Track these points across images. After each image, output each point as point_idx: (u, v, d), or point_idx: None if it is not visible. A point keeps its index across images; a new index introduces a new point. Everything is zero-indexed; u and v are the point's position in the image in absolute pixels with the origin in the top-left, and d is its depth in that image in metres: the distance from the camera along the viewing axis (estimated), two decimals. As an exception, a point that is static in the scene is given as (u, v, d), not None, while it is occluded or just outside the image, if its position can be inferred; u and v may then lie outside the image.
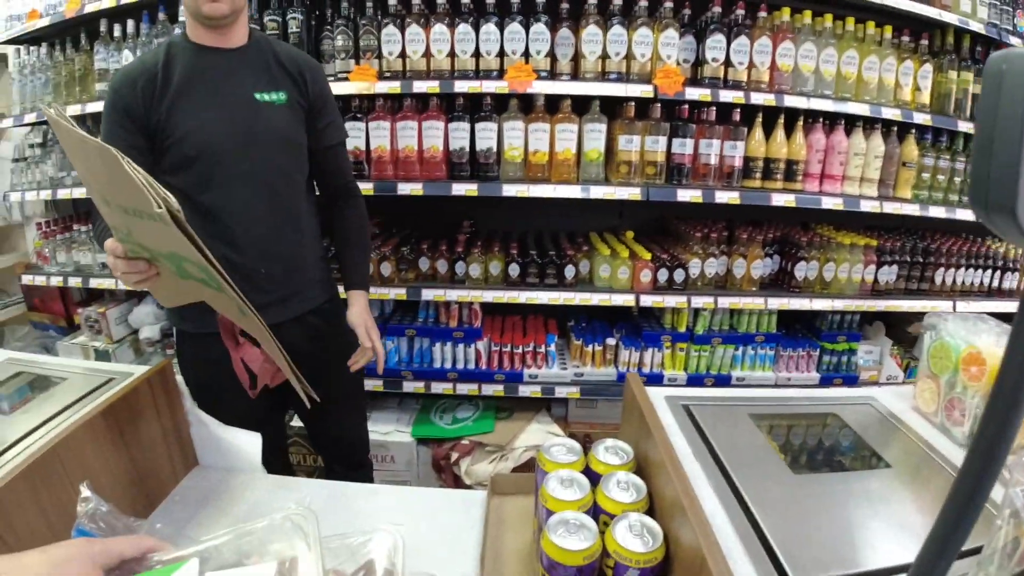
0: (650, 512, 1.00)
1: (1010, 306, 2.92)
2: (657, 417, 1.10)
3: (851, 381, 2.84)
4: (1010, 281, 2.91)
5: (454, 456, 2.54)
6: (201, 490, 1.35)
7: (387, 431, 2.65)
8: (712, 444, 1.07)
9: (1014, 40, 2.65)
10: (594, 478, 1.07)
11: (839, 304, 2.64)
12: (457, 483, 2.55)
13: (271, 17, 2.42)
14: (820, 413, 1.26)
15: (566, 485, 1.02)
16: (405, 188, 2.38)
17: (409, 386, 2.59)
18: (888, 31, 2.48)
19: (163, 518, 1.25)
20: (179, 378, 1.38)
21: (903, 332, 3.13)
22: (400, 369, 2.60)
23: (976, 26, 2.56)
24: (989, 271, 2.85)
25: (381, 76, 2.40)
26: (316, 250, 1.76)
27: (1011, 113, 0.36)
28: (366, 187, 2.37)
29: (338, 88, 2.35)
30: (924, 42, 2.56)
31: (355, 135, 2.40)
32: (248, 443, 1.44)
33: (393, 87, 2.36)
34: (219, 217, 1.52)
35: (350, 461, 2.02)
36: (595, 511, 1.01)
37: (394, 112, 2.43)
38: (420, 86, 2.35)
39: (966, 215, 2.70)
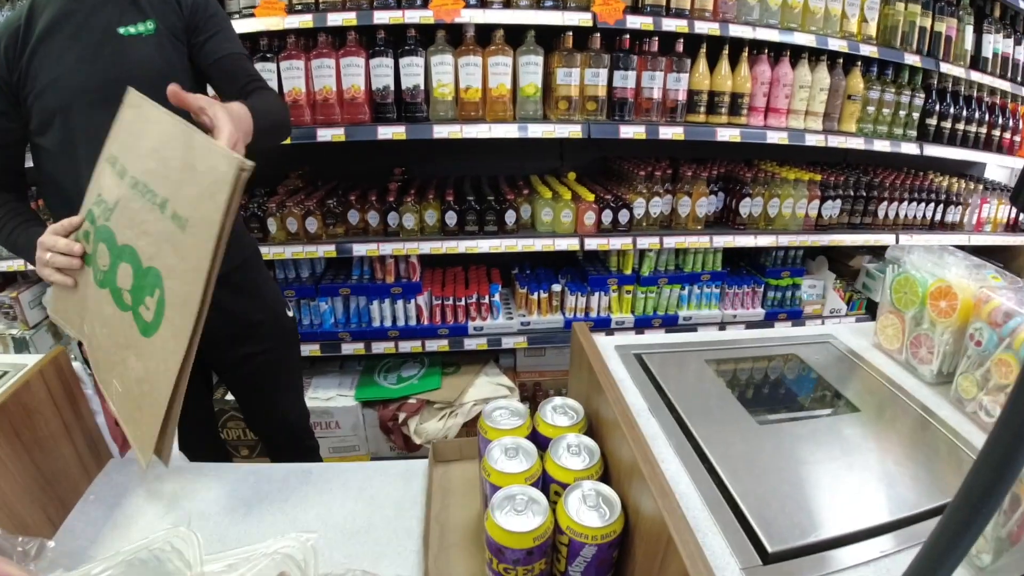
0: (605, 477, 0.91)
1: (952, 239, 2.98)
2: (608, 370, 1.00)
3: (795, 315, 2.86)
4: (953, 214, 2.95)
5: (402, 416, 2.43)
6: (116, 486, 1.20)
7: (329, 396, 2.50)
8: (669, 396, 0.98)
9: None
10: (542, 442, 0.97)
11: (783, 240, 2.62)
12: (407, 444, 2.45)
13: None
14: (779, 355, 1.19)
15: (511, 455, 0.92)
16: (325, 134, 2.15)
17: (348, 348, 2.43)
18: (836, -44, 2.37)
19: (79, 520, 1.10)
20: (77, 364, 1.19)
21: (845, 266, 3.16)
22: (337, 331, 2.43)
23: None
24: (932, 204, 2.88)
25: (291, 9, 2.14)
26: None
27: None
28: (282, 133, 2.14)
29: (243, 26, 2.09)
30: None
31: (266, 77, 2.14)
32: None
33: (305, 21, 2.10)
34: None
35: (291, 445, 1.84)
36: (544, 480, 0.91)
37: (308, 50, 2.18)
38: (335, 18, 2.10)
39: (911, 148, 2.69)
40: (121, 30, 1.31)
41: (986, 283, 1.13)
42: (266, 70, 2.14)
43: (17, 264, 2.50)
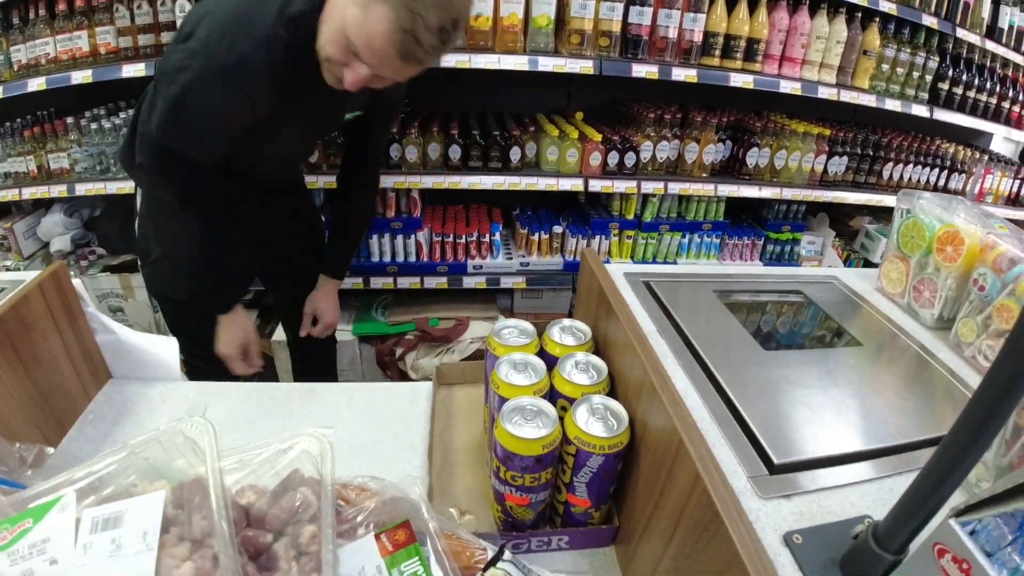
0: (611, 395, 0.91)
1: (954, 205, 2.97)
2: (618, 292, 1.00)
3: (792, 271, 2.87)
4: (956, 182, 2.94)
5: (399, 351, 2.44)
6: (116, 405, 1.19)
7: (326, 329, 2.49)
8: (678, 321, 0.98)
9: None
10: (550, 361, 0.97)
11: (788, 193, 2.60)
12: (404, 379, 2.47)
13: None
14: (785, 290, 1.19)
15: (519, 369, 0.92)
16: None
17: (346, 282, 2.40)
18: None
19: (77, 440, 1.10)
20: (77, 281, 1.17)
21: (845, 226, 3.16)
22: (335, 263, 2.41)
23: None
24: (936, 169, 2.86)
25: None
26: None
27: None
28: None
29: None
30: None
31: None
32: (163, 349, 1.28)
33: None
34: None
35: (321, 349, 2.06)
36: (552, 395, 0.92)
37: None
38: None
39: (920, 110, 2.66)
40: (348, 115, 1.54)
41: (993, 230, 1.13)
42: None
43: (11, 195, 2.43)
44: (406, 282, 2.43)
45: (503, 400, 0.88)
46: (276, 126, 1.39)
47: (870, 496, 0.72)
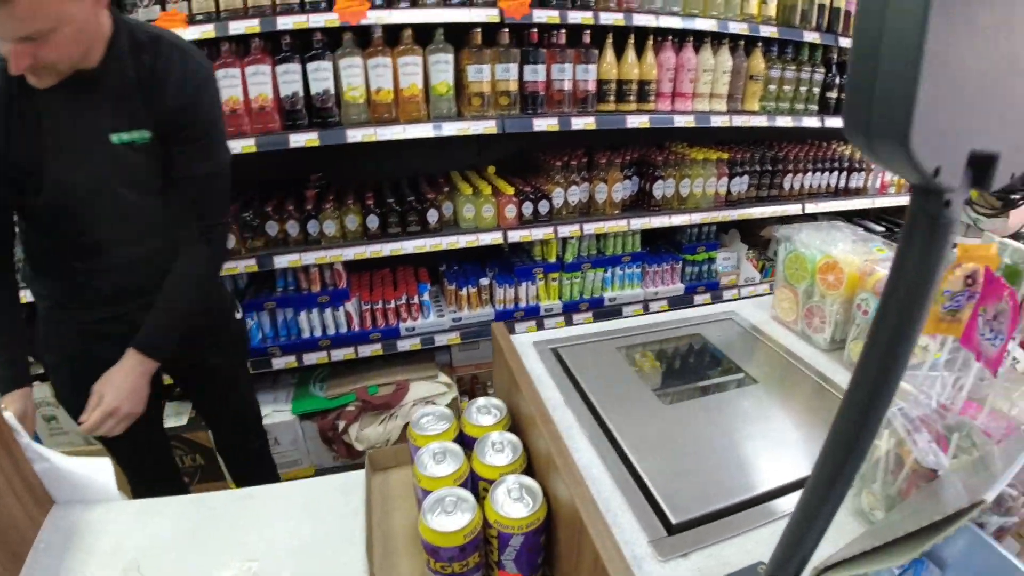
0: (529, 469, 0.96)
1: (856, 204, 3.21)
2: (524, 369, 1.06)
3: (713, 287, 3.02)
4: (856, 180, 3.17)
5: (341, 424, 2.42)
6: (63, 532, 1.16)
7: (266, 413, 2.44)
8: (583, 387, 1.04)
9: None
10: (469, 442, 1.01)
11: (696, 218, 2.76)
12: (350, 451, 2.45)
13: None
14: (685, 335, 1.28)
15: (439, 460, 0.96)
16: (235, 146, 2.09)
17: (279, 362, 2.40)
18: (732, -58, 2.48)
19: (34, 570, 1.07)
20: (7, 414, 1.14)
21: (756, 236, 3.35)
22: (266, 346, 2.39)
23: None
24: (835, 172, 3.08)
25: (191, 20, 2.07)
26: None
27: (905, 5, 0.27)
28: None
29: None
30: None
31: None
32: (97, 471, 1.25)
33: (206, 31, 2.03)
34: None
35: (242, 431, 1.94)
36: (473, 478, 0.96)
37: (212, 60, 2.10)
38: (237, 27, 2.04)
39: (812, 122, 2.86)
40: (114, 138, 1.27)
41: (871, 256, 1.25)
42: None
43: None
44: (340, 354, 2.43)
45: (426, 492, 0.91)
46: (27, 168, 1.24)
47: (765, 541, 0.78)
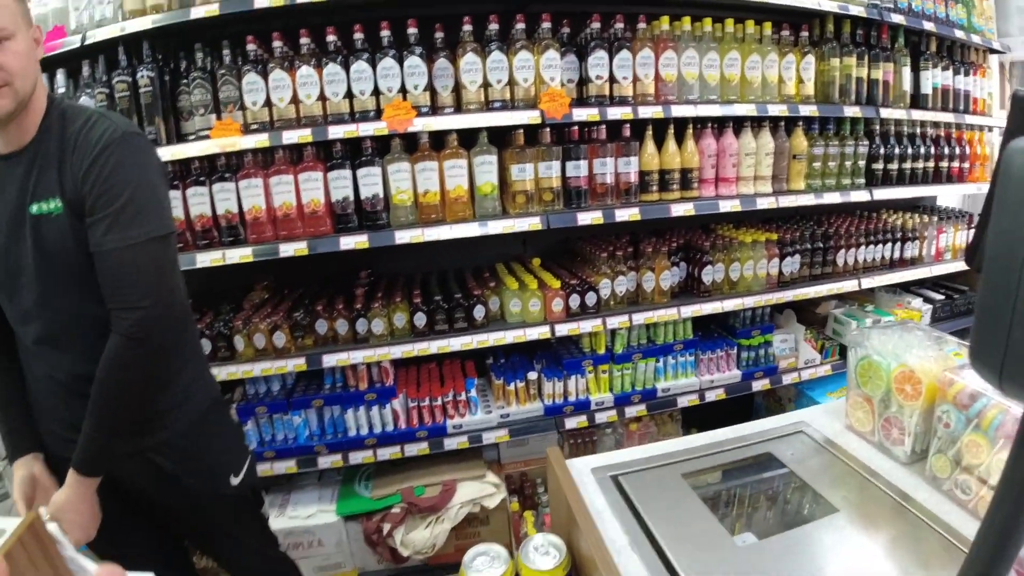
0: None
1: (913, 274, 3.07)
2: (584, 504, 0.99)
3: (771, 372, 2.89)
4: (910, 250, 3.05)
5: (386, 528, 2.34)
6: None
7: (309, 513, 2.41)
8: (648, 525, 0.96)
9: (896, 17, 2.73)
10: (527, 587, 0.94)
11: (749, 301, 2.67)
12: (395, 556, 2.36)
13: (120, 78, 2.15)
14: (753, 455, 1.19)
15: (496, 613, 0.89)
16: (288, 249, 2.16)
17: (325, 461, 2.37)
18: (768, 27, 2.51)
19: None
20: (52, 526, 1.13)
21: (813, 314, 3.22)
22: (312, 444, 2.37)
23: (856, 10, 2.62)
24: (888, 244, 2.97)
25: (247, 129, 2.18)
26: None
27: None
28: (244, 253, 2.15)
29: (200, 148, 2.13)
30: (804, 34, 2.61)
31: (225, 196, 2.17)
32: None
33: (261, 140, 2.14)
34: None
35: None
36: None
37: (266, 167, 2.21)
38: (291, 136, 2.14)
39: (860, 196, 2.79)
40: (33, 208, 1.23)
41: (949, 362, 1.16)
42: (225, 190, 2.17)
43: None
44: (386, 452, 2.39)
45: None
46: None
47: None
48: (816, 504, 1.05)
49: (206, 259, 2.15)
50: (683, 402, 2.70)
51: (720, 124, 2.56)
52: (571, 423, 2.51)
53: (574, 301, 2.40)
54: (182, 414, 1.45)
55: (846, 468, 1.14)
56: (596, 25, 2.32)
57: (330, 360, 2.25)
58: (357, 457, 2.38)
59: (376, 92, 2.18)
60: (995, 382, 0.28)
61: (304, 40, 2.13)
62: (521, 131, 2.28)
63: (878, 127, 2.91)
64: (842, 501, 1.03)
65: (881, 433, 1.23)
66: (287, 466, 2.35)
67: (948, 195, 3.73)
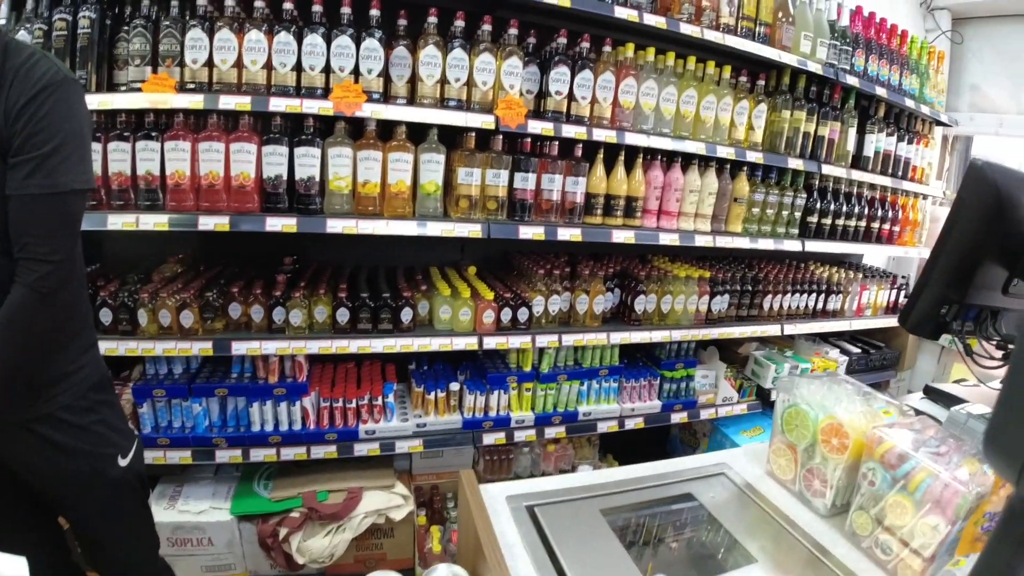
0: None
1: (833, 326, 3.22)
2: (494, 535, 0.92)
3: (690, 406, 2.93)
4: (834, 302, 3.19)
5: (283, 532, 2.19)
6: None
7: (201, 509, 2.22)
8: (562, 564, 0.91)
9: (850, 79, 2.84)
10: (423, 623, 0.86)
11: (677, 335, 2.70)
12: (289, 563, 2.20)
13: (60, 16, 1.94)
14: (673, 495, 1.16)
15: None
16: (208, 222, 1.99)
17: (223, 455, 2.19)
18: (727, 71, 2.56)
19: None
20: None
21: (735, 354, 3.31)
22: (211, 436, 2.19)
23: (814, 67, 2.71)
24: (813, 295, 3.09)
25: (182, 87, 2.00)
26: None
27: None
28: (160, 220, 1.97)
29: (129, 101, 1.95)
30: (761, 82, 2.69)
31: (148, 156, 1.99)
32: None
33: (195, 101, 1.97)
34: None
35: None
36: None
37: (197, 131, 2.04)
38: (228, 101, 1.98)
39: (792, 245, 2.90)
40: None
41: (878, 419, 1.16)
42: (148, 149, 1.99)
43: None
44: (290, 453, 2.24)
45: None
46: None
47: None
48: (734, 552, 1.03)
49: (118, 221, 1.95)
50: (603, 427, 2.70)
51: (669, 158, 2.58)
52: (489, 439, 2.44)
53: (506, 315, 2.34)
54: (71, 385, 1.39)
55: (765, 515, 1.13)
56: (562, 40, 2.30)
57: (240, 348, 2.09)
58: (259, 454, 2.22)
59: (327, 70, 2.06)
60: (1012, 477, 0.24)
61: (259, 3, 1.99)
62: (473, 134, 2.22)
63: (817, 181, 3.04)
64: (759, 551, 1.01)
65: (802, 483, 1.22)
66: (181, 456, 2.16)
67: (875, 255, 3.93)
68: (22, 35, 2.00)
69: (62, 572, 1.67)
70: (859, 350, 3.53)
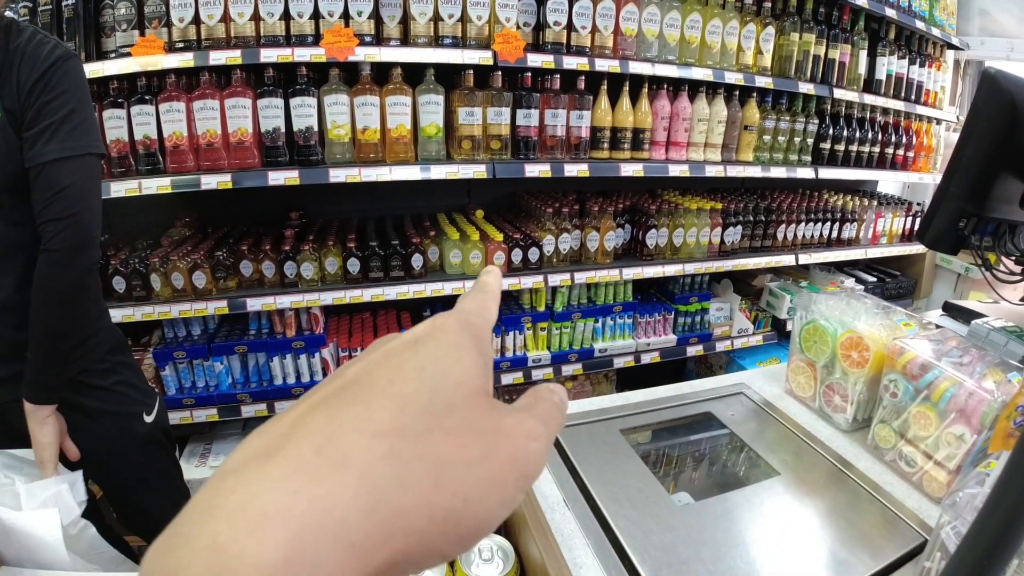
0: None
1: (849, 254, 3.16)
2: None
3: (706, 338, 2.93)
4: (849, 231, 3.13)
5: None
6: None
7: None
8: (585, 482, 0.92)
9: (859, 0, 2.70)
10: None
11: (690, 268, 2.68)
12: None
13: None
14: (693, 414, 1.16)
15: None
16: (210, 181, 1.98)
17: (249, 410, 2.24)
18: (733, -7, 2.45)
19: None
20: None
21: (749, 286, 3.28)
22: (235, 392, 2.23)
23: None
24: (828, 223, 3.03)
25: (171, 48, 1.96)
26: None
27: None
28: (162, 183, 1.95)
29: (119, 66, 1.91)
30: (767, 4, 2.56)
31: (144, 120, 1.96)
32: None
33: (185, 60, 1.93)
34: None
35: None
36: (457, 593, 0.83)
37: (190, 90, 2.00)
38: (218, 57, 1.94)
39: (806, 173, 2.82)
40: None
41: (897, 331, 1.14)
42: (144, 113, 1.96)
43: None
44: (314, 404, 2.27)
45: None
46: None
47: None
48: (756, 467, 1.04)
49: (121, 188, 1.94)
50: (619, 363, 2.71)
51: (676, 87, 2.50)
52: (507, 379, 2.47)
53: (516, 256, 2.33)
54: (89, 349, 1.41)
55: (785, 431, 1.13)
56: (558, -34, 2.20)
57: (255, 304, 2.10)
58: (284, 407, 2.25)
59: (316, 15, 1.99)
60: None
61: (239, -49, 1.91)
62: (471, 72, 2.15)
63: (829, 107, 2.94)
64: (781, 465, 1.02)
65: (822, 399, 1.22)
66: (208, 414, 2.21)
67: (890, 181, 3.84)
68: (8, 14, 1.96)
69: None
70: (875, 279, 3.49)
